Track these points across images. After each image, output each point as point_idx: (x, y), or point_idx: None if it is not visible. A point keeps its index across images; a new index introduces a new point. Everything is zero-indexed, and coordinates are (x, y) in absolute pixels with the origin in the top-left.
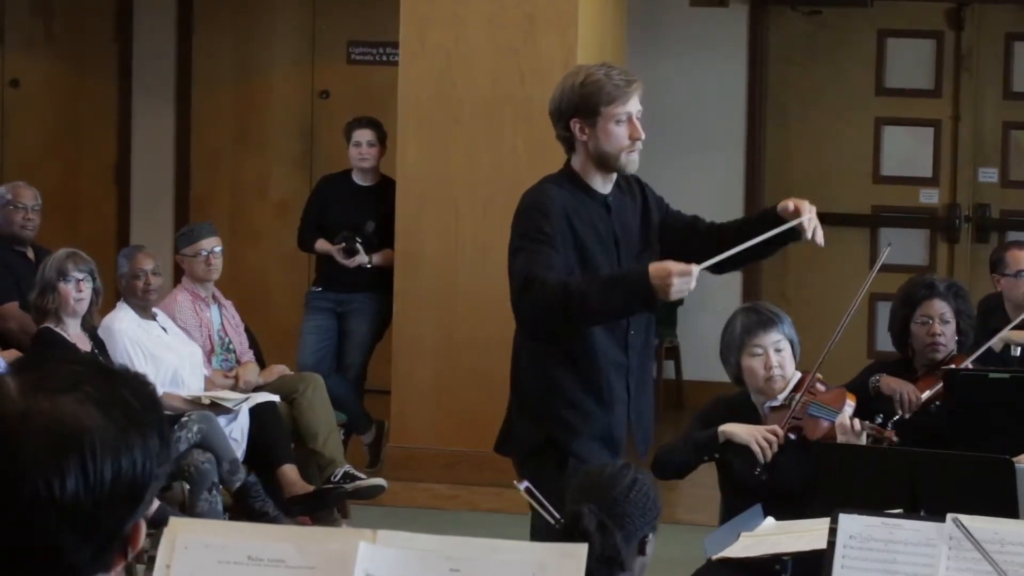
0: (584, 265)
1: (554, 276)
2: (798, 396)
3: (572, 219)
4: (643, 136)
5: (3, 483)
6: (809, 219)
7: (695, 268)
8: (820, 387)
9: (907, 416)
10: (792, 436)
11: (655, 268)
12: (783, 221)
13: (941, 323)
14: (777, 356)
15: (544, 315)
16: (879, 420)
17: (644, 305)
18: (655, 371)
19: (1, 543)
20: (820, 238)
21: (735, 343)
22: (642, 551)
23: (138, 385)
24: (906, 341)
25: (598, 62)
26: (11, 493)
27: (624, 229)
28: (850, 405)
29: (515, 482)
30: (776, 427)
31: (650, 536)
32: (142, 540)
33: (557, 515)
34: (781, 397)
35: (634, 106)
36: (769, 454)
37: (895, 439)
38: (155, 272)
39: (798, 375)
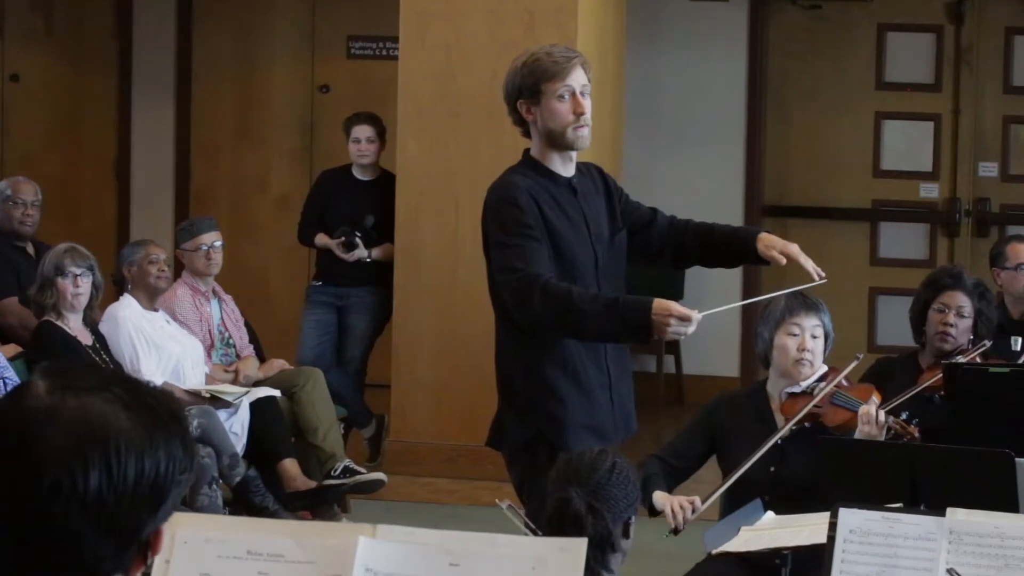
0: (557, 250)
1: (556, 281)
2: (823, 385)
3: (541, 206)
4: (587, 111)
5: (26, 474)
6: (812, 266)
7: (696, 315)
8: (845, 382)
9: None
10: (807, 424)
11: (658, 305)
12: (754, 248)
13: (957, 315)
14: (812, 342)
15: (539, 317)
16: (904, 416)
17: (637, 337)
18: (656, 366)
19: (22, 535)
20: (822, 273)
21: (774, 319)
22: (627, 534)
23: (163, 397)
24: (922, 327)
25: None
26: (33, 484)
27: (592, 211)
28: (875, 399)
29: (497, 500)
30: (695, 498)
31: (633, 518)
32: (163, 546)
33: (538, 531)
34: (804, 384)
35: (577, 81)
36: (681, 520)
37: (917, 436)
38: (167, 262)
39: (824, 368)
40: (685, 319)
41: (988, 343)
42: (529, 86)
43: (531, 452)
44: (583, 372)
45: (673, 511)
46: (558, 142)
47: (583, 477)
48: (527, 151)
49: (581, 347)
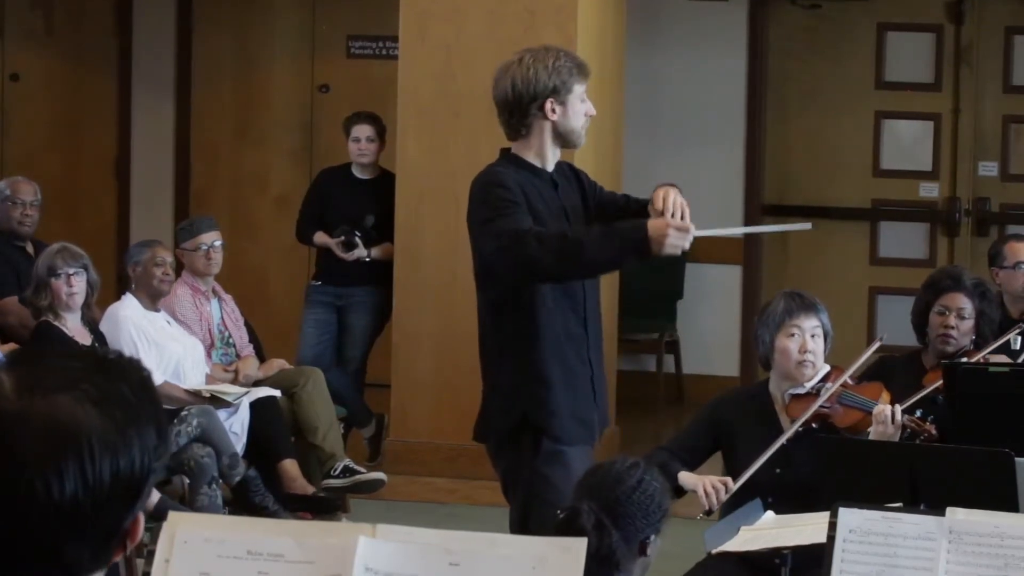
0: None
1: (546, 229)
2: (828, 385)
3: (527, 194)
4: (595, 112)
5: None
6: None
7: (692, 227)
8: (850, 381)
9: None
10: (814, 425)
11: (653, 222)
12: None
13: (957, 318)
14: (812, 342)
15: (541, 264)
16: (919, 413)
17: (638, 256)
18: (656, 365)
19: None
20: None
21: (773, 322)
22: (643, 552)
23: (134, 374)
24: (925, 328)
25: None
26: (7, 494)
27: (571, 204)
28: (886, 398)
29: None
30: (727, 479)
31: (652, 538)
32: (141, 533)
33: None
34: (808, 385)
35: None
36: (715, 501)
37: (935, 433)
38: (172, 266)
39: (827, 368)
40: (682, 230)
41: (1019, 329)
42: (563, 84)
43: (515, 442)
44: (569, 360)
45: (706, 491)
46: (568, 140)
47: (604, 489)
48: (504, 151)
49: (564, 338)
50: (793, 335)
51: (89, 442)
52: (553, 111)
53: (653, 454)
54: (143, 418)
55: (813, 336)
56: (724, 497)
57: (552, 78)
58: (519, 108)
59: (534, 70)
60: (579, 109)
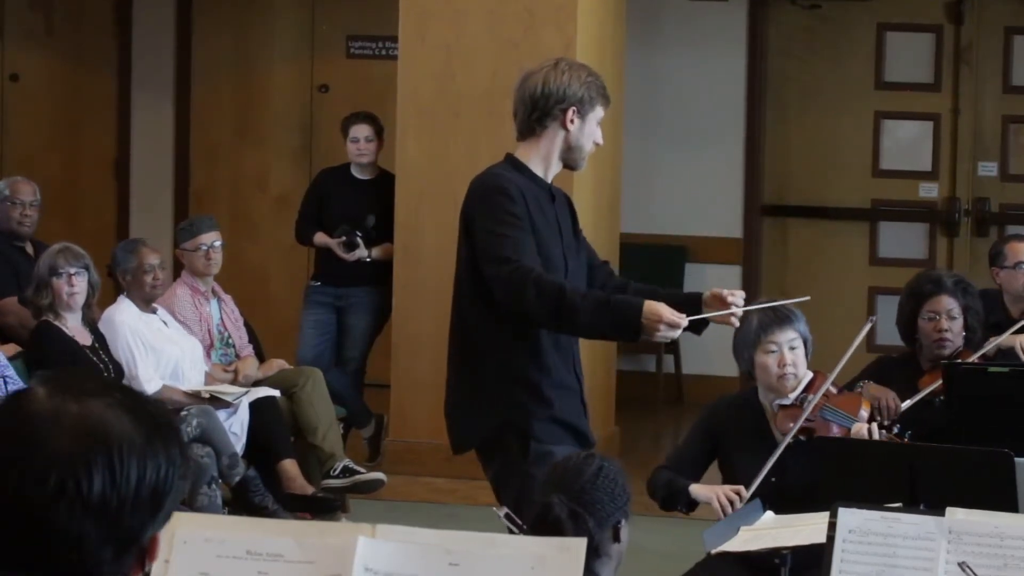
0: (536, 247)
1: (548, 275)
2: (811, 397)
3: (527, 201)
4: (602, 142)
5: (30, 477)
6: (734, 309)
7: (684, 321)
8: (833, 389)
9: (887, 423)
10: (802, 438)
11: (649, 308)
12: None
13: (948, 319)
14: (791, 355)
15: (532, 310)
16: (896, 430)
17: (626, 337)
18: (655, 365)
19: (25, 538)
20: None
21: (750, 339)
22: (616, 538)
23: (161, 408)
24: (913, 335)
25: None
26: (37, 487)
27: (564, 222)
28: (865, 411)
29: (495, 508)
30: (740, 487)
31: (623, 522)
32: (159, 553)
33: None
34: (793, 396)
35: None
36: (730, 510)
37: None
38: (161, 266)
39: (810, 374)
40: (674, 325)
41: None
42: (589, 100)
43: (502, 446)
44: (555, 369)
45: (721, 503)
46: (571, 158)
47: (568, 482)
48: (509, 155)
49: (553, 347)
50: (771, 351)
51: (119, 443)
52: (572, 121)
53: (656, 474)
54: (169, 435)
55: (792, 348)
56: (740, 506)
57: (583, 90)
58: (543, 106)
59: (569, 76)
60: (593, 131)
